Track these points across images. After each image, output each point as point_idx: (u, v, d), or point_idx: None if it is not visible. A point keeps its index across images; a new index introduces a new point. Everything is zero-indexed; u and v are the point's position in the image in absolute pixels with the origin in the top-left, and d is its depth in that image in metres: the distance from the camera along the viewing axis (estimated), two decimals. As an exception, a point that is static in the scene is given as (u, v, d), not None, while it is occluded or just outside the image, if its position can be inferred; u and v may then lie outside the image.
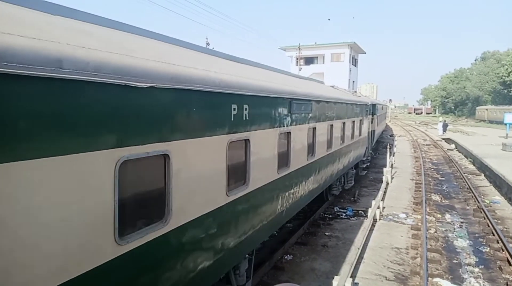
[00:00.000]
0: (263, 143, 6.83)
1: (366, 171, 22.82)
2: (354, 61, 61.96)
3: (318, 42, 59.31)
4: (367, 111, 20.79)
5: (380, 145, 36.75)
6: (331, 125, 12.14)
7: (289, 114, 7.99)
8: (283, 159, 7.92)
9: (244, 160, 6.23)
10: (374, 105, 24.98)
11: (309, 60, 59.05)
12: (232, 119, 5.53)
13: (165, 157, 4.19)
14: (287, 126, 7.90)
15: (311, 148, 9.97)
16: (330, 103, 11.82)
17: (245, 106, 5.92)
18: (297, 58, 53.29)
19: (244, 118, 5.90)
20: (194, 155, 4.71)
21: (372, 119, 23.71)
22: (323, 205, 14.91)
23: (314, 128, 10.06)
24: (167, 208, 4.30)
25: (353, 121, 16.36)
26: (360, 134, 18.55)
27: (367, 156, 22.82)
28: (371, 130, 23.88)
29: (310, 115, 9.63)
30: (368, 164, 24.69)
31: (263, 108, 6.75)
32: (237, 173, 6.08)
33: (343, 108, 14.05)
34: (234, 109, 5.57)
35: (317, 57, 59.44)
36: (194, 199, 4.82)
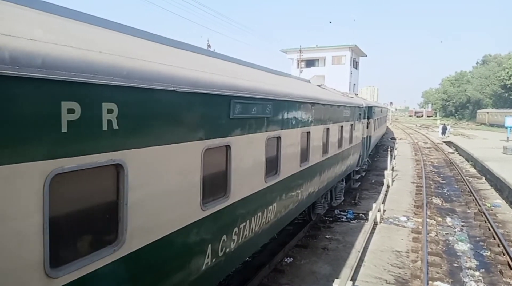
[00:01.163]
0: (165, 166, 4.19)
1: (359, 183, 19.80)
2: (355, 64, 62.05)
3: (319, 45, 59.45)
4: (360, 114, 17.89)
5: (381, 148, 36.72)
6: (308, 132, 9.47)
7: (228, 118, 5.54)
8: (217, 186, 5.43)
9: (114, 200, 3.60)
10: (370, 108, 22.16)
11: (310, 63, 59.16)
12: (65, 130, 2.98)
13: None
14: (223, 136, 5.38)
15: (273, 165, 7.42)
16: (306, 104, 9.19)
17: (111, 106, 3.39)
18: (298, 61, 53.37)
19: (108, 128, 3.37)
20: None
21: (367, 123, 21.14)
22: (305, 228, 12.73)
23: (278, 138, 7.56)
24: None
25: (341, 127, 13.39)
26: (351, 141, 15.50)
27: (361, 165, 20.13)
28: (367, 136, 21.11)
29: (272, 119, 7.14)
30: (364, 174, 22.22)
31: (165, 109, 4.12)
32: (91, 225, 3.48)
33: (327, 110, 11.31)
34: (72, 112, 3.01)
35: (318, 59, 59.56)
36: None
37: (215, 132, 5.19)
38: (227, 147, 5.54)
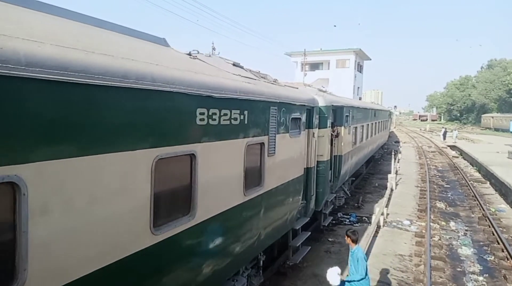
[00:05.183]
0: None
1: (308, 249, 10.20)
2: (359, 68, 62.01)
3: (324, 48, 59.50)
4: (299, 119, 8.79)
5: (385, 151, 36.62)
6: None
7: None
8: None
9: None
10: (339, 109, 13.31)
11: (314, 66, 59.23)
12: None
13: None
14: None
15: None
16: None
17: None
18: (302, 64, 53.41)
19: None
20: None
21: (334, 134, 12.72)
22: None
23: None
24: None
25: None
26: (259, 183, 6.94)
27: (322, 208, 11.60)
28: (335, 156, 13.11)
29: None
30: (328, 223, 12.81)
31: None
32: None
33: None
34: None
35: (322, 63, 59.60)
36: None
37: None
38: None
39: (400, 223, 13.98)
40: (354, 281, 7.01)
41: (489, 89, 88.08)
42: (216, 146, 5.33)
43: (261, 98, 6.67)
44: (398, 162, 26.74)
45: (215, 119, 5.21)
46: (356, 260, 7.09)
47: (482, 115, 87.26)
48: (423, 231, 13.04)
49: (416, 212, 15.57)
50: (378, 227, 13.04)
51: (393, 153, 24.96)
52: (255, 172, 6.81)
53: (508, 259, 10.95)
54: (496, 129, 70.71)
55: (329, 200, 12.67)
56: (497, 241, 12.35)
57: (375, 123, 25.41)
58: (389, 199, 16.83)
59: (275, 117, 7.28)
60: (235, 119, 5.78)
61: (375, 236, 12.24)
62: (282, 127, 7.71)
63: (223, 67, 6.31)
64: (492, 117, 78.07)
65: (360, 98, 58.22)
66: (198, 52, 6.31)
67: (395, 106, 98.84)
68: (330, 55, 58.04)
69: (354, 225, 14.20)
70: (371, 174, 25.17)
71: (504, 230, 13.58)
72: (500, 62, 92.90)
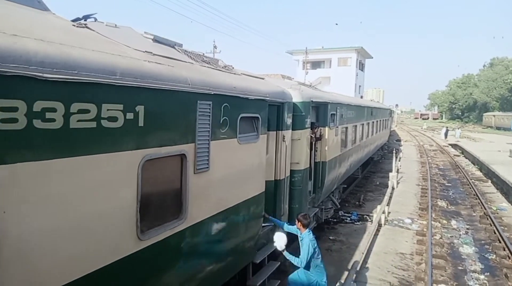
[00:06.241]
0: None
1: (277, 284, 8.18)
2: (361, 66, 61.93)
3: (325, 46, 59.41)
4: (256, 119, 6.47)
5: (385, 152, 36.59)
6: None
7: None
8: None
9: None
10: (324, 106, 11.26)
11: (316, 64, 59.13)
12: None
13: None
14: None
15: None
16: None
17: None
18: (304, 62, 53.34)
19: None
20: None
21: (315, 137, 10.70)
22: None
23: None
24: None
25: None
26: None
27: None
28: (318, 162, 11.21)
29: None
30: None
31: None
32: None
33: None
34: None
35: (324, 61, 59.51)
36: None
37: None
38: None
39: (401, 221, 13.96)
40: (299, 268, 6.67)
41: (491, 88, 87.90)
42: (58, 167, 2.98)
43: (177, 87, 4.28)
44: (399, 161, 26.72)
45: (51, 120, 2.90)
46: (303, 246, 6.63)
47: (484, 114, 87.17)
48: (425, 230, 13.03)
49: (418, 210, 15.54)
50: (380, 225, 13.03)
51: (394, 151, 24.93)
52: (167, 200, 4.54)
53: (509, 258, 10.93)
54: (498, 128, 70.62)
55: (310, 216, 10.34)
56: (499, 240, 12.32)
57: (373, 122, 22.56)
58: (390, 197, 16.81)
59: (208, 115, 4.94)
60: (113, 119, 3.45)
61: (376, 234, 12.23)
62: (224, 129, 5.38)
63: (125, 41, 4.15)
64: (494, 115, 77.98)
65: (361, 97, 58.17)
66: (96, 20, 4.54)
67: (397, 105, 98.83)
68: (332, 53, 57.99)
69: (356, 223, 14.21)
70: (372, 172, 25.15)
71: (506, 228, 13.55)
72: (502, 61, 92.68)
